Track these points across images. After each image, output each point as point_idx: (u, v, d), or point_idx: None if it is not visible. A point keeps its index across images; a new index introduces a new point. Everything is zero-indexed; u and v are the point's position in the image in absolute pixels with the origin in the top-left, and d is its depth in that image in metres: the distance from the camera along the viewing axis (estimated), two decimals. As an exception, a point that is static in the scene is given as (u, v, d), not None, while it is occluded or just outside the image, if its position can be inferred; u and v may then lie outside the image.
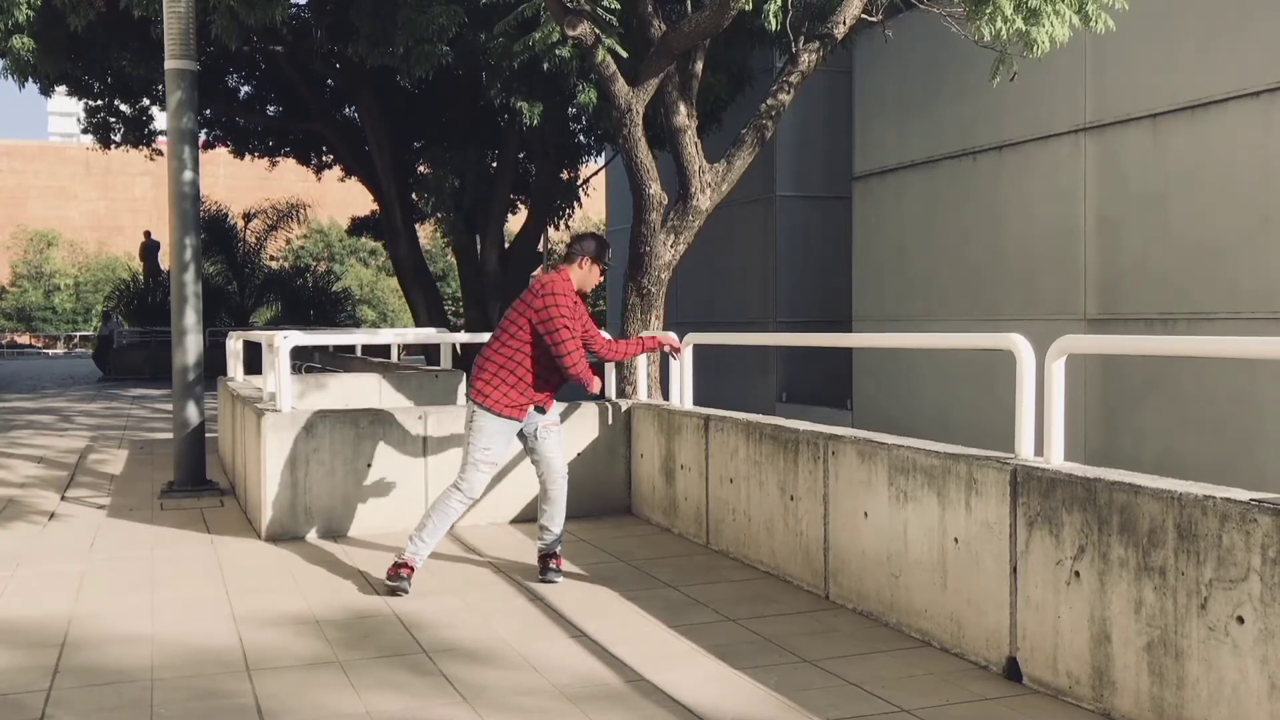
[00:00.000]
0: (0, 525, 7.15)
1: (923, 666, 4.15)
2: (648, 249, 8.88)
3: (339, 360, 15.85)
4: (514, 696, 3.86)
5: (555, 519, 5.55)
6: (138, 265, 35.96)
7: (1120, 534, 3.54)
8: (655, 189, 8.86)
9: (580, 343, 5.39)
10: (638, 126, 8.78)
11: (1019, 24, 7.70)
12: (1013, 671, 3.98)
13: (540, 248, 21.88)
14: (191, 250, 8.49)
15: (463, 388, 9.22)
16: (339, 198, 44.46)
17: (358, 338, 13.78)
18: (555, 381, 5.43)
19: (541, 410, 5.47)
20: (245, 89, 22.07)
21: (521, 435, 5.50)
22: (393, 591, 5.20)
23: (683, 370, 6.89)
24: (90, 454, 11.02)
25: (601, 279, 5.61)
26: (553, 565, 5.53)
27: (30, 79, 14.96)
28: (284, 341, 6.95)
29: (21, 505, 7.92)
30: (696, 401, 6.96)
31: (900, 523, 4.61)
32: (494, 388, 5.30)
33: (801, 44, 9.11)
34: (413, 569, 5.29)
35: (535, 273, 25.04)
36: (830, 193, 16.42)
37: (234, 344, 10.84)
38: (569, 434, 7.14)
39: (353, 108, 20.93)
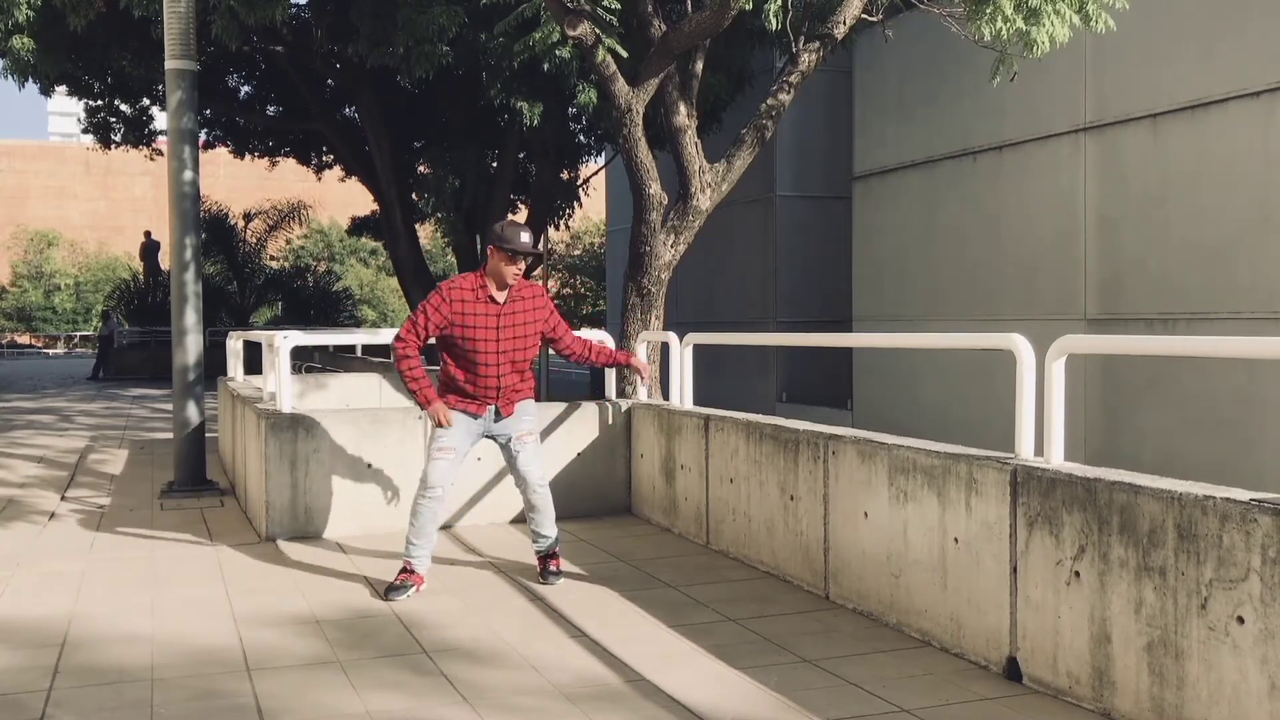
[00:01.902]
0: (0, 525, 7.15)
1: (923, 666, 4.15)
2: (648, 249, 8.89)
3: (339, 360, 15.86)
4: (514, 696, 3.86)
5: (545, 525, 5.49)
6: (138, 265, 35.98)
7: (1120, 534, 3.54)
8: (655, 189, 8.87)
9: (413, 342, 5.16)
10: (638, 126, 8.78)
11: (1019, 24, 7.71)
12: (1013, 671, 3.98)
13: (540, 248, 21.87)
14: (191, 250, 8.49)
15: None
16: (339, 198, 44.48)
17: (358, 338, 13.77)
18: (494, 384, 5.25)
19: (499, 415, 5.32)
20: (245, 89, 22.07)
21: (502, 446, 5.44)
22: (388, 596, 5.16)
23: (683, 370, 6.89)
24: (90, 454, 11.02)
25: (516, 263, 5.11)
26: (552, 567, 5.50)
27: (30, 79, 14.97)
28: (284, 341, 6.95)
29: (21, 505, 7.92)
30: (696, 401, 6.96)
31: (900, 523, 4.61)
32: (442, 390, 5.36)
33: (801, 44, 9.11)
34: (413, 572, 5.27)
35: (535, 273, 25.06)
36: (830, 193, 16.43)
37: (234, 344, 10.84)
38: (570, 434, 7.16)
39: (353, 108, 20.92)
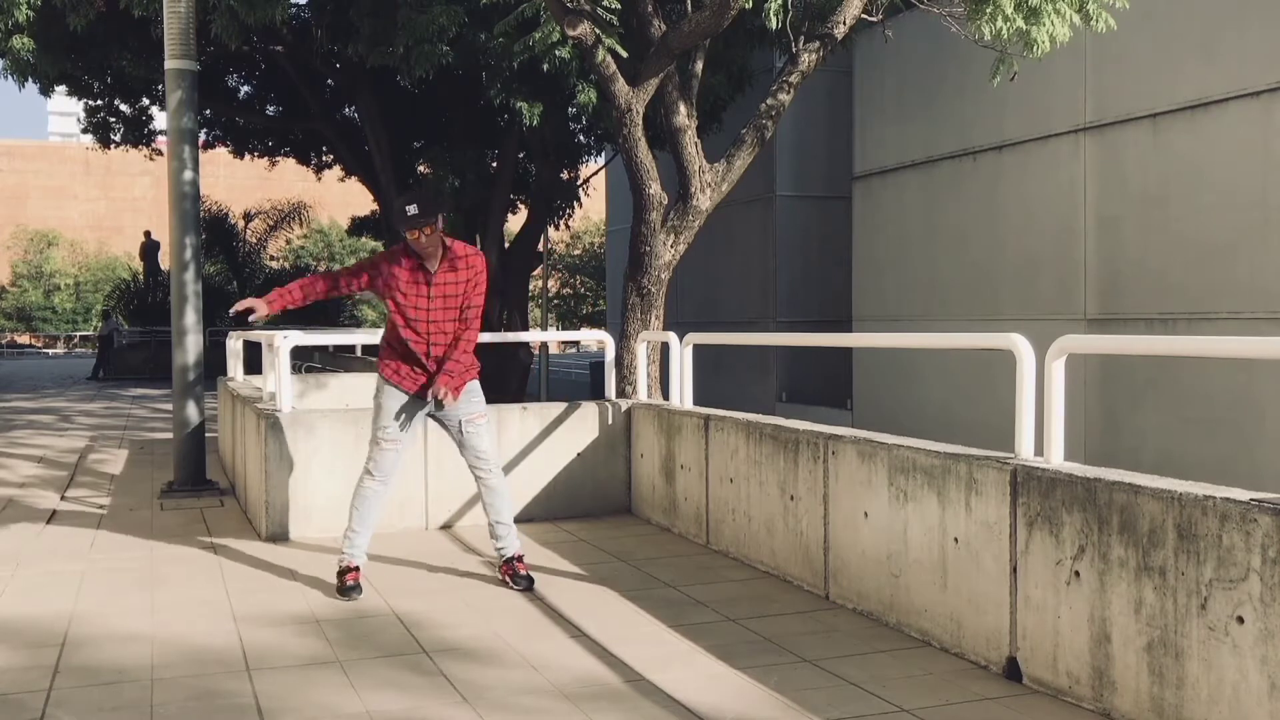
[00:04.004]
0: (0, 525, 7.15)
1: (923, 666, 4.15)
2: (648, 249, 8.88)
3: (339, 360, 15.85)
4: (514, 696, 3.86)
5: (505, 510, 5.36)
6: (138, 265, 36.01)
7: (1120, 534, 3.54)
8: (655, 189, 8.86)
9: (333, 277, 5.31)
10: (638, 126, 8.78)
11: (1019, 23, 7.70)
12: (1013, 671, 3.98)
13: (540, 248, 21.88)
14: (191, 250, 8.49)
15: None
16: (339, 198, 44.53)
17: (358, 338, 13.77)
18: (424, 350, 5.17)
19: (422, 396, 5.21)
20: (245, 89, 22.06)
21: (452, 430, 5.35)
22: (346, 597, 5.14)
23: (683, 370, 6.89)
24: (90, 454, 11.02)
25: (418, 232, 4.99)
26: (520, 571, 5.37)
27: (30, 79, 14.96)
28: (284, 341, 6.94)
29: (21, 505, 7.92)
30: (696, 401, 6.96)
31: (900, 523, 4.61)
32: (383, 358, 5.33)
33: (801, 44, 9.11)
34: (357, 570, 5.26)
35: (535, 273, 25.04)
36: (830, 193, 16.43)
37: (234, 344, 10.84)
38: (570, 434, 7.16)
39: (353, 108, 20.91)
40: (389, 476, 5.31)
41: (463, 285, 5.20)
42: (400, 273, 5.15)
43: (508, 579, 5.38)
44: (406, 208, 5.02)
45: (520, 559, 5.44)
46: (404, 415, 5.27)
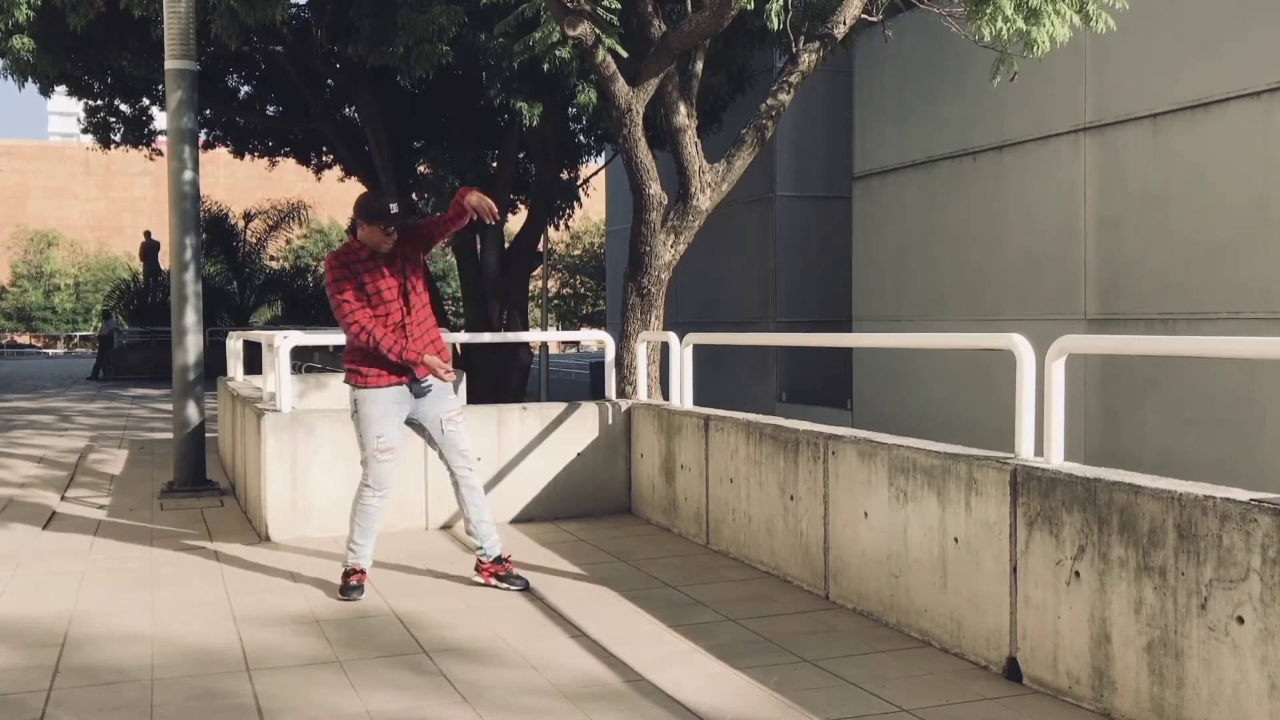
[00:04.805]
0: (0, 525, 7.15)
1: (923, 666, 4.15)
2: (648, 249, 8.88)
3: (339, 360, 15.85)
4: (514, 696, 3.86)
5: (485, 508, 5.31)
6: (138, 265, 36.03)
7: (1120, 534, 3.54)
8: (655, 189, 8.86)
9: (362, 306, 5.08)
10: (638, 126, 8.77)
11: (1019, 24, 7.70)
12: (1013, 671, 3.98)
13: (540, 248, 21.88)
14: (191, 250, 8.49)
15: (463, 387, 9.22)
16: (339, 198, 44.44)
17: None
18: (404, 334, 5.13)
19: (419, 385, 5.16)
20: (245, 89, 22.04)
21: (422, 430, 5.31)
22: (346, 598, 5.14)
23: (683, 370, 6.89)
24: (90, 454, 11.02)
25: (389, 231, 5.10)
26: (513, 570, 5.34)
27: (30, 79, 14.96)
28: (284, 341, 6.94)
29: (21, 505, 7.91)
30: (696, 401, 6.96)
31: (900, 523, 4.61)
32: (357, 365, 5.18)
33: (802, 44, 9.10)
34: (362, 573, 5.26)
35: (535, 273, 25.03)
36: (830, 193, 16.43)
37: (234, 344, 10.84)
38: (570, 434, 7.16)
39: (353, 108, 20.90)
40: (388, 489, 5.28)
41: (414, 245, 5.24)
42: (365, 275, 5.13)
43: (495, 579, 5.34)
44: (390, 205, 5.10)
45: (510, 558, 5.44)
46: (391, 419, 5.22)
